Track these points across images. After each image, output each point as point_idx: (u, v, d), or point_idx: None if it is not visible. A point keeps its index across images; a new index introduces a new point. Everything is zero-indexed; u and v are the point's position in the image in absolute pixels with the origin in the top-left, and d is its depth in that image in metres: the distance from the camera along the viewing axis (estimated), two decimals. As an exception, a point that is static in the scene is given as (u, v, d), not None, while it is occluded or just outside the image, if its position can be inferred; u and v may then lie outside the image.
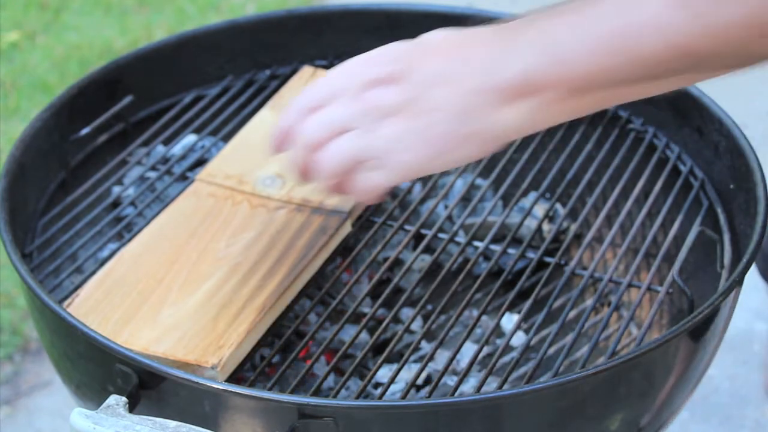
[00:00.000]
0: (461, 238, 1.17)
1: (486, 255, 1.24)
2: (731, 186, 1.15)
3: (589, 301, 1.23)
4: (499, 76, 0.84)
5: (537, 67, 0.83)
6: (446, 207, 1.26)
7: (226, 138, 1.27)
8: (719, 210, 1.16)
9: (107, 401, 0.89)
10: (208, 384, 0.89)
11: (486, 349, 1.17)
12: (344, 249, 1.17)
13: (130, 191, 1.24)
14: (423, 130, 0.86)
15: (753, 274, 1.88)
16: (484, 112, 0.84)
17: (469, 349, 1.17)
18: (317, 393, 0.99)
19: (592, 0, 0.82)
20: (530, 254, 1.17)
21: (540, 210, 1.26)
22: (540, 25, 0.84)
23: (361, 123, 0.87)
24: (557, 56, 0.82)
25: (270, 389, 1.00)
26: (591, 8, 0.82)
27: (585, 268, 1.14)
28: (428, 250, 1.24)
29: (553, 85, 0.83)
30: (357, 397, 1.01)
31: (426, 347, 1.18)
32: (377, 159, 0.87)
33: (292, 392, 1.00)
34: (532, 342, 1.12)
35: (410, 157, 0.86)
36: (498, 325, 1.09)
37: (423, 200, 1.24)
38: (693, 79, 0.86)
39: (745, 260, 1.02)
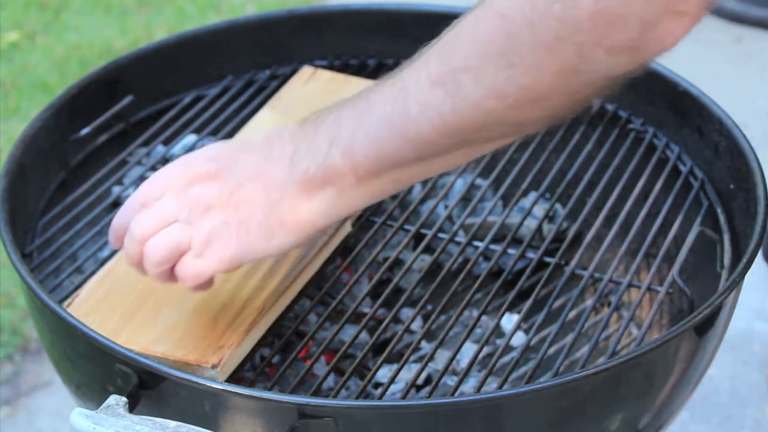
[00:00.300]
0: (461, 238, 1.17)
1: (486, 255, 1.24)
2: (731, 186, 1.15)
3: (589, 301, 1.23)
4: (299, 170, 0.92)
5: (330, 158, 0.92)
6: (446, 207, 1.26)
7: (226, 138, 1.27)
8: (719, 210, 1.16)
9: (107, 401, 0.89)
10: (208, 384, 0.89)
11: (486, 349, 1.17)
12: (344, 249, 1.17)
13: (130, 191, 1.24)
14: (237, 222, 0.93)
15: (753, 274, 1.88)
16: (291, 203, 0.93)
17: (469, 349, 1.17)
18: (317, 393, 0.99)
19: (377, 88, 0.90)
20: (530, 254, 1.17)
21: (540, 210, 1.26)
22: (335, 118, 0.92)
23: (184, 216, 0.94)
24: (345, 146, 0.91)
25: (270, 389, 1.00)
26: (373, 97, 0.91)
27: (585, 268, 1.14)
28: (428, 250, 1.24)
29: (345, 173, 0.91)
30: (357, 397, 1.01)
31: (426, 347, 1.18)
32: (198, 249, 0.94)
33: (292, 392, 1.00)
34: (532, 342, 1.12)
35: (227, 247, 0.93)
36: (498, 325, 1.09)
37: (423, 200, 1.24)
38: (483, 148, 0.92)
39: (745, 260, 1.02)
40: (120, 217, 0.98)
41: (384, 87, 0.91)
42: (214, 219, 0.93)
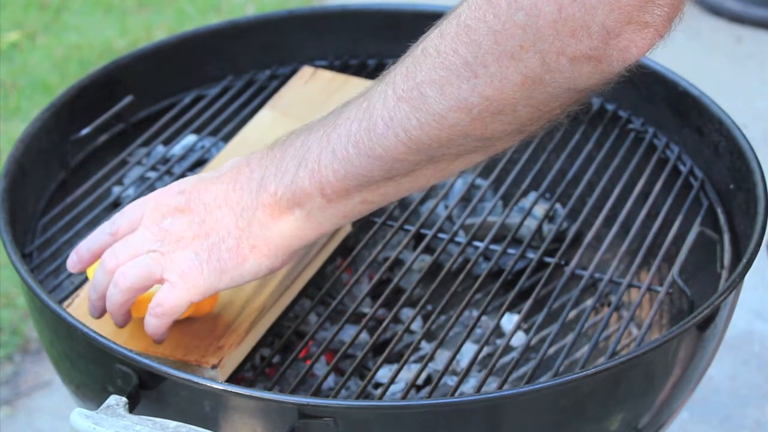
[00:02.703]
0: (461, 238, 1.17)
1: (486, 255, 1.24)
2: (731, 186, 1.15)
3: (589, 301, 1.23)
4: (267, 193, 0.93)
5: (297, 179, 0.92)
6: (446, 207, 1.26)
7: (226, 138, 1.27)
8: (719, 210, 1.16)
9: (107, 401, 0.89)
10: (208, 384, 0.89)
11: (486, 349, 1.17)
12: (344, 249, 1.17)
13: (130, 191, 1.24)
14: (209, 250, 0.94)
15: (753, 274, 1.88)
16: (260, 227, 0.93)
17: (469, 349, 1.17)
18: (317, 393, 0.99)
19: (345, 107, 0.91)
20: (530, 254, 1.17)
21: (540, 210, 1.26)
22: (303, 140, 0.93)
23: (157, 247, 0.95)
24: (312, 167, 0.92)
25: (270, 389, 1.00)
26: (340, 116, 0.91)
27: (585, 268, 1.14)
28: (428, 250, 1.24)
29: (313, 194, 0.92)
30: (357, 397, 1.01)
31: (426, 347, 1.19)
32: (172, 280, 0.94)
33: (292, 392, 1.00)
34: (532, 342, 1.12)
35: (199, 275, 0.94)
36: (498, 325, 1.09)
37: (423, 200, 1.24)
38: (452, 166, 0.91)
39: (745, 260, 1.02)
40: (86, 242, 0.99)
41: (351, 106, 0.91)
42: (186, 249, 0.94)
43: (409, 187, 0.92)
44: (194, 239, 0.94)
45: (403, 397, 0.99)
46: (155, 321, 0.95)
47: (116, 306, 0.96)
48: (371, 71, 1.37)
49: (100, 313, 0.98)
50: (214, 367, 0.96)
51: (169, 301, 0.94)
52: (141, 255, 0.95)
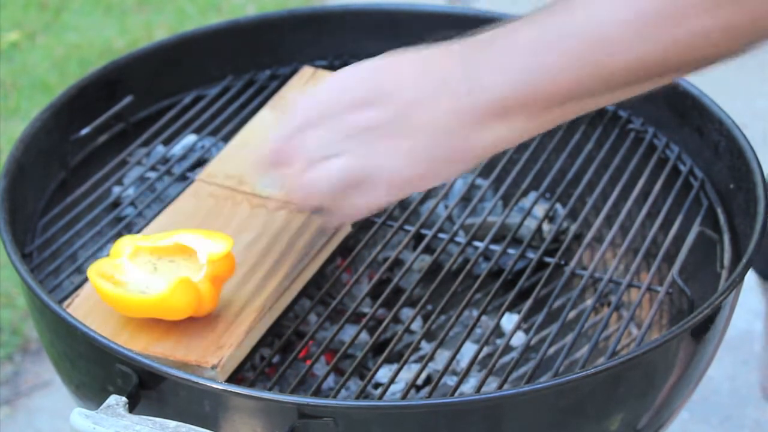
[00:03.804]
0: (461, 238, 1.17)
1: (486, 255, 1.24)
2: (731, 186, 1.16)
3: (589, 301, 1.23)
4: (475, 99, 0.87)
5: (511, 89, 0.86)
6: (446, 207, 1.26)
7: (226, 138, 1.27)
8: (719, 210, 1.16)
9: (107, 401, 0.89)
10: (208, 384, 0.89)
11: (486, 349, 1.17)
12: (344, 249, 1.17)
13: (130, 191, 1.24)
14: (408, 150, 0.89)
15: (753, 274, 1.88)
16: (464, 131, 0.88)
17: (469, 349, 1.17)
18: (317, 393, 0.99)
19: (558, 12, 0.84)
20: (530, 254, 1.17)
21: (540, 210, 1.26)
22: (510, 43, 0.86)
23: (349, 145, 0.90)
24: (529, 76, 0.85)
25: (270, 389, 1.01)
26: (558, 21, 0.84)
27: (585, 268, 1.14)
28: (428, 250, 1.24)
29: (527, 105, 0.86)
30: (357, 397, 1.01)
31: (426, 347, 1.19)
32: (367, 179, 0.90)
33: (292, 392, 1.00)
34: (532, 342, 1.12)
35: (398, 176, 0.90)
36: (498, 325, 1.09)
37: (423, 200, 1.24)
38: (659, 82, 0.88)
39: (745, 260, 1.02)
40: (278, 140, 0.94)
41: (561, 13, 0.84)
42: (380, 148, 0.89)
43: (623, 95, 0.88)
44: (388, 137, 0.89)
45: (403, 397, 0.99)
46: (346, 216, 0.94)
47: (315, 210, 0.94)
48: (371, 71, 1.37)
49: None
50: (213, 367, 0.96)
51: (361, 203, 0.91)
52: (331, 153, 0.91)
